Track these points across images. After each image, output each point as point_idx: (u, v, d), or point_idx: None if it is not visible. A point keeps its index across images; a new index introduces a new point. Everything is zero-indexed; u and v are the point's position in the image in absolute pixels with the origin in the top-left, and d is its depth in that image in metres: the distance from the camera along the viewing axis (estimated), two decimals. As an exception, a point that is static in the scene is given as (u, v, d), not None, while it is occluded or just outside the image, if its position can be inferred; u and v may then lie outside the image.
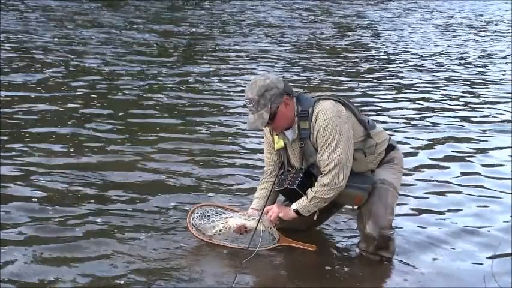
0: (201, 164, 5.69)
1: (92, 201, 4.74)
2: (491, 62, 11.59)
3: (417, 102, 8.38)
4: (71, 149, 5.76)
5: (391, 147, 4.13)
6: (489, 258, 4.27)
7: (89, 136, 6.17)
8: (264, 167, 4.25)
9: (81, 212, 4.53)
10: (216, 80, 8.94)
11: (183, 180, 5.27)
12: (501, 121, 7.70)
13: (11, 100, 7.15)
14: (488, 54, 12.43)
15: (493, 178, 5.83)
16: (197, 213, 4.17)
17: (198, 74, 9.21)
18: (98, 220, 4.43)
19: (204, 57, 10.46)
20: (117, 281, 3.70)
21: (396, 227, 4.24)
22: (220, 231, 4.09)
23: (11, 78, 8.05)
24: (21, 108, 6.86)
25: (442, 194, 5.42)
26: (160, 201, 4.84)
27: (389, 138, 4.19)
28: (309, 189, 3.94)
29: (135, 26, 12.93)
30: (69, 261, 3.87)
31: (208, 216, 4.16)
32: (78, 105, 7.16)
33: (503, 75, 10.42)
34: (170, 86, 8.40)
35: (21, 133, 6.10)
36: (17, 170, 5.19)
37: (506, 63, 11.54)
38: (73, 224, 4.34)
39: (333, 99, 3.92)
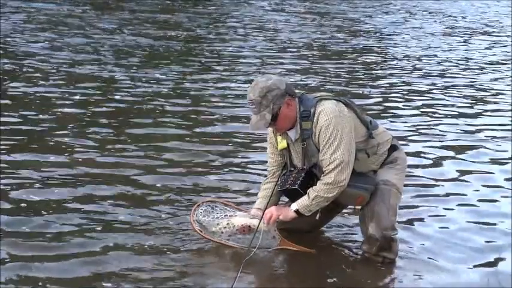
0: (202, 166, 5.86)
1: (92, 204, 4.90)
2: (499, 68, 11.70)
3: (424, 108, 8.45)
4: (69, 156, 5.89)
5: (393, 148, 4.28)
6: (492, 259, 4.43)
7: (88, 142, 6.29)
8: (268, 167, 4.39)
9: (81, 217, 4.68)
10: (215, 83, 9.07)
11: (184, 182, 5.44)
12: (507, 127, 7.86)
13: (8, 107, 7.29)
14: (498, 60, 12.50)
15: (499, 180, 6.04)
16: (201, 209, 4.28)
17: (198, 76, 9.39)
18: (98, 224, 4.58)
19: (202, 61, 10.58)
20: (117, 282, 3.84)
21: (399, 229, 4.40)
22: (224, 228, 4.20)
23: (5, 86, 8.19)
24: (18, 116, 7.00)
25: (444, 195, 5.58)
26: (161, 201, 5.02)
27: (392, 138, 4.33)
28: (310, 188, 4.07)
29: (131, 30, 13.02)
30: (70, 265, 4.03)
31: (212, 213, 4.27)
32: (75, 112, 7.28)
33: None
34: (167, 90, 8.54)
35: (19, 141, 6.22)
36: (15, 179, 5.29)
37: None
38: (73, 230, 4.47)
39: (335, 99, 4.10)
